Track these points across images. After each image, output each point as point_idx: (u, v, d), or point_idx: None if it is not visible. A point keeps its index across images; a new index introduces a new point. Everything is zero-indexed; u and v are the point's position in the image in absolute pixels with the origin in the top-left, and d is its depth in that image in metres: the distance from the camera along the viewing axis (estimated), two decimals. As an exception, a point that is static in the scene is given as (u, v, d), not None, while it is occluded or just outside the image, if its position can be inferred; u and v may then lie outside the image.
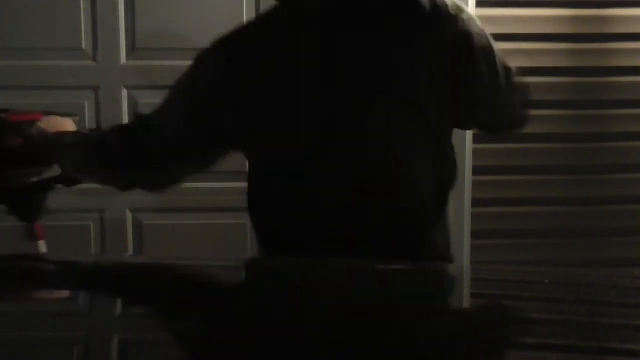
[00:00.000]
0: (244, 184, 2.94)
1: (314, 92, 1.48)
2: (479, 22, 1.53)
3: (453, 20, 1.45)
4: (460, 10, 1.48)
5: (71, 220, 2.65)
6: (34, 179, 1.85)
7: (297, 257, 1.56)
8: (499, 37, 2.76)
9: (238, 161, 2.69)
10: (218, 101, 1.55)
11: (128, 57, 2.72)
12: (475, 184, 2.76)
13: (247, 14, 2.71)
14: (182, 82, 1.63)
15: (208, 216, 2.77)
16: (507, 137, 2.79)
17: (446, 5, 1.45)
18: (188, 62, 2.71)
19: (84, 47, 2.70)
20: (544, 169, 2.82)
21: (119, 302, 1.22)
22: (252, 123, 1.55)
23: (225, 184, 2.76)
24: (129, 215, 2.74)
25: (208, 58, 1.62)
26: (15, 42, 2.66)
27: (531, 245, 2.83)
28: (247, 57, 1.53)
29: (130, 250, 2.75)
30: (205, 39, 2.73)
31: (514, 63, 2.73)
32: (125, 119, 2.66)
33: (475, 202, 2.77)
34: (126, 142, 1.60)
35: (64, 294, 1.31)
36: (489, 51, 1.54)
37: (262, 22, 1.59)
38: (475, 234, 2.78)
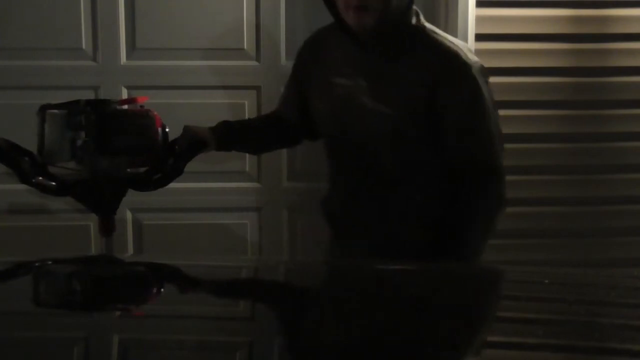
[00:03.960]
0: (244, 184, 2.94)
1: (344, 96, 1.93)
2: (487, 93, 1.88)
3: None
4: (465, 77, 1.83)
5: (71, 220, 2.65)
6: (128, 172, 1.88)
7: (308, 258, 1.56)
8: (499, 37, 2.78)
9: (238, 161, 2.71)
10: (298, 86, 2.10)
11: (128, 57, 2.71)
12: (475, 184, 2.75)
13: (247, 14, 2.71)
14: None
15: (208, 216, 2.77)
16: (507, 137, 2.78)
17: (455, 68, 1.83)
18: (188, 62, 2.73)
19: (84, 47, 2.69)
20: (544, 169, 2.82)
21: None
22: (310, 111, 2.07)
23: (225, 184, 2.76)
24: (129, 215, 2.74)
25: (299, 51, 2.12)
26: (15, 42, 2.66)
27: (531, 245, 2.82)
28: (313, 56, 2.05)
29: (130, 250, 2.75)
30: (205, 39, 2.75)
31: (514, 63, 2.74)
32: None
33: (475, 202, 2.77)
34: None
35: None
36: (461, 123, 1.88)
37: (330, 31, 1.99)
38: (475, 234, 2.78)
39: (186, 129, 1.98)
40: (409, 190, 1.93)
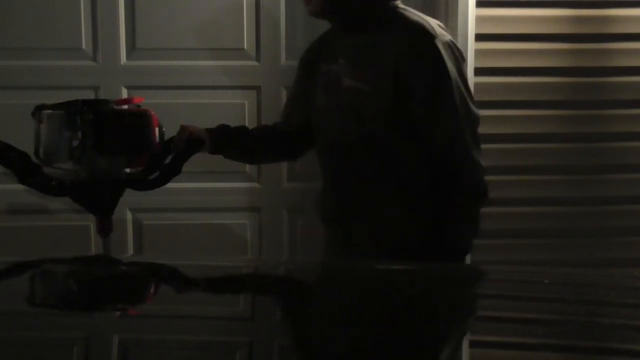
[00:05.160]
0: (244, 184, 2.94)
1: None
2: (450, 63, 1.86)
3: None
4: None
5: (71, 221, 2.65)
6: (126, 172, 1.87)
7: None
8: (499, 37, 2.78)
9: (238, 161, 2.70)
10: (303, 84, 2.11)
11: (128, 57, 2.72)
12: (475, 184, 2.75)
13: (247, 15, 2.71)
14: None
15: (208, 216, 2.77)
16: (507, 137, 2.79)
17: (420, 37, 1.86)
18: (188, 62, 2.73)
19: (84, 47, 2.69)
20: (544, 169, 2.82)
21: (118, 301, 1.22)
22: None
23: (225, 184, 2.76)
24: (129, 215, 2.74)
25: (305, 51, 2.17)
26: (15, 42, 2.66)
27: (531, 245, 2.82)
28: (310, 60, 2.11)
29: (130, 250, 2.75)
30: (205, 39, 2.75)
31: (514, 63, 2.75)
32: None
33: (475, 202, 2.77)
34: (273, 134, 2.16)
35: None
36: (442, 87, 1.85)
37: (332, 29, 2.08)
38: (475, 234, 2.78)
39: (183, 128, 1.98)
40: (394, 182, 1.94)
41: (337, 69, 1.97)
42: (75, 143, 1.79)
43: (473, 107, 1.90)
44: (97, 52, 2.70)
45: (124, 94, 2.68)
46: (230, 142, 2.08)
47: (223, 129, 2.07)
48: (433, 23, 1.91)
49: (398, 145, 1.91)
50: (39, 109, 1.84)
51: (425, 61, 1.85)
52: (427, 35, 1.85)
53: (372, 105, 1.88)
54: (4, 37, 2.65)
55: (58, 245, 2.60)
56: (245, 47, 2.73)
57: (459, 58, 1.91)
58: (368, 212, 1.96)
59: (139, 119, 1.84)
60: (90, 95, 2.65)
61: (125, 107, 1.91)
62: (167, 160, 1.91)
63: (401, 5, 1.96)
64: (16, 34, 2.66)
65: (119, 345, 1.01)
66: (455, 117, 1.86)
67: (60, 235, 2.65)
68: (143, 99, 1.92)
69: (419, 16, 1.93)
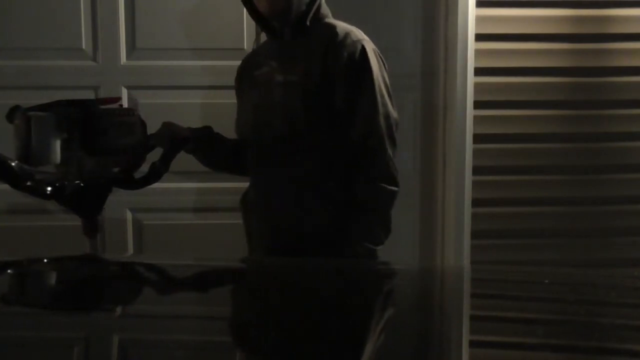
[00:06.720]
0: (244, 184, 2.95)
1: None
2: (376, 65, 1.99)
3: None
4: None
5: (71, 221, 2.64)
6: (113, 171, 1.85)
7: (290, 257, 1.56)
8: (499, 37, 2.79)
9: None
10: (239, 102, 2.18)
11: (128, 57, 2.72)
12: (475, 184, 2.76)
13: (247, 15, 2.71)
14: None
15: (208, 216, 2.77)
16: (507, 137, 2.79)
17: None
18: (188, 62, 2.73)
19: (84, 47, 2.70)
20: (544, 169, 2.82)
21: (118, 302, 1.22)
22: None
23: (225, 184, 2.76)
24: (129, 215, 2.74)
25: (237, 72, 2.22)
26: (15, 42, 2.66)
27: (531, 245, 2.83)
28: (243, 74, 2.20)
29: (130, 250, 2.75)
30: (205, 39, 2.75)
31: (514, 63, 2.75)
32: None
33: (475, 202, 2.77)
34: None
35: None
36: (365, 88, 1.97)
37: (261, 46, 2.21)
38: (475, 234, 2.78)
39: (165, 125, 1.98)
40: (312, 172, 2.00)
41: (269, 69, 2.04)
42: (61, 144, 1.76)
43: (393, 110, 2.01)
44: (97, 52, 2.70)
45: (124, 93, 2.68)
46: (213, 142, 2.11)
47: (208, 129, 2.09)
48: (361, 32, 2.03)
49: (319, 136, 1.98)
50: (16, 110, 1.79)
51: (351, 58, 1.95)
52: (355, 37, 1.98)
53: (299, 97, 1.96)
54: (4, 37, 2.66)
55: (57, 245, 2.60)
56: (244, 47, 2.73)
57: (383, 65, 2.03)
58: (287, 202, 2.02)
59: (126, 118, 1.83)
60: (90, 95, 2.65)
61: (118, 105, 1.89)
62: (146, 157, 1.90)
63: (330, 17, 2.08)
64: (16, 34, 2.66)
65: (119, 345, 1.01)
66: (375, 111, 1.96)
67: (59, 235, 2.64)
68: (121, 98, 1.91)
69: (349, 25, 2.04)
